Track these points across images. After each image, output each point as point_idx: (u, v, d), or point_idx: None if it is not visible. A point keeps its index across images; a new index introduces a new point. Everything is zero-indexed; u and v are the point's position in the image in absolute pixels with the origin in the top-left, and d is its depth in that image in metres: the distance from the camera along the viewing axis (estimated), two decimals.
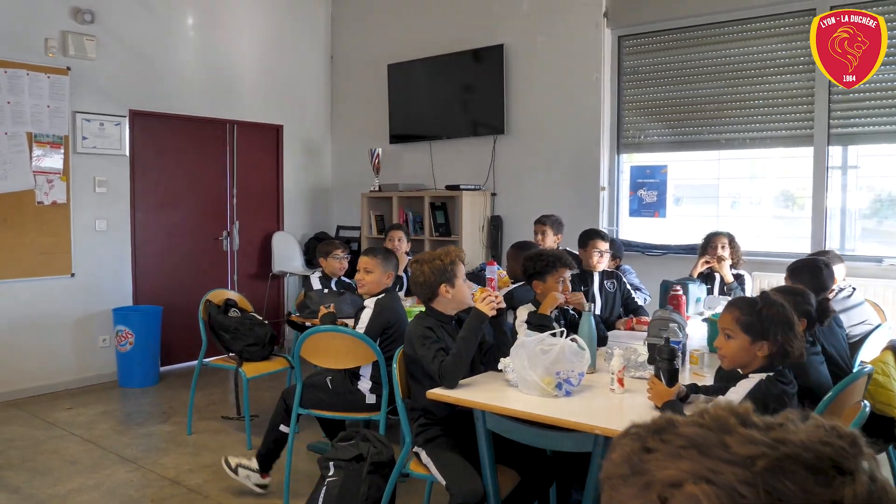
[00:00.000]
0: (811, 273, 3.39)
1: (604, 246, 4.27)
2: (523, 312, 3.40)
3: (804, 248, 5.09)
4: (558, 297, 3.33)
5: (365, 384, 3.66)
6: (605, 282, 4.28)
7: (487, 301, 2.93)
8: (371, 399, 3.65)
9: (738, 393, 2.28)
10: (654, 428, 0.66)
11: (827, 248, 4.84)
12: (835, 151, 5.05)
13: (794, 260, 3.72)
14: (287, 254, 7.15)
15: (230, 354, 4.64)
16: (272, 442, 3.76)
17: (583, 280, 4.20)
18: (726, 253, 4.63)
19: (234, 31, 6.85)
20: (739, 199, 5.67)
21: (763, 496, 0.59)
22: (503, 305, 3.01)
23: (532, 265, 3.44)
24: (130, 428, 4.89)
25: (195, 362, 4.79)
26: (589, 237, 4.32)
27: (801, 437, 0.62)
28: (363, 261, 3.77)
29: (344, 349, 3.54)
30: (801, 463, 0.60)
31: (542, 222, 5.11)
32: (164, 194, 6.42)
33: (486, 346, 3.08)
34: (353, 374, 3.68)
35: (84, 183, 5.85)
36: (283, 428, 3.75)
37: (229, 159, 6.86)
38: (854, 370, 3.11)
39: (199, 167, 6.66)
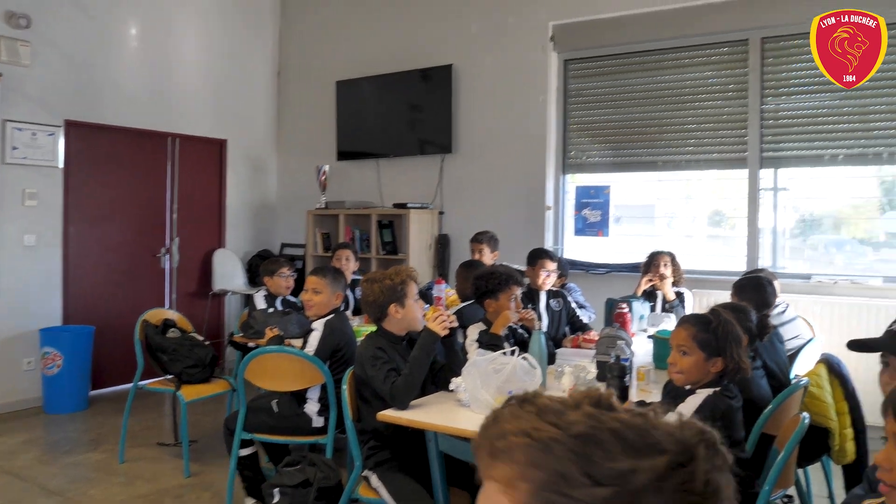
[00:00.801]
0: (756, 290, 3.49)
1: (551, 266, 4.32)
2: (474, 332, 3.40)
3: (739, 266, 5.26)
4: (511, 316, 3.35)
5: (312, 407, 3.58)
6: (550, 301, 4.32)
7: (439, 321, 2.92)
8: (318, 422, 3.57)
9: (686, 409, 2.32)
10: (522, 397, 0.75)
11: (761, 267, 5.01)
12: (766, 174, 5.26)
13: (738, 277, 3.83)
14: (229, 271, 7.00)
15: (168, 377, 4.49)
16: (247, 470, 3.65)
17: (530, 298, 4.22)
18: (668, 271, 4.74)
19: (180, 43, 6.71)
20: (675, 219, 5.84)
21: (570, 454, 0.67)
22: (455, 325, 3.00)
23: (484, 284, 3.45)
24: (56, 457, 4.63)
25: (129, 385, 4.61)
26: (537, 257, 4.36)
27: (637, 422, 0.70)
28: (312, 280, 3.69)
29: (291, 371, 3.46)
30: (619, 437, 0.68)
31: (478, 240, 5.14)
32: (100, 209, 6.20)
33: (438, 366, 3.07)
34: (300, 397, 3.60)
35: (12, 195, 5.61)
36: (243, 452, 3.64)
37: (170, 173, 6.69)
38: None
39: (139, 181, 6.46)
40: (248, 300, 4.95)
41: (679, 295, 4.79)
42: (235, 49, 7.18)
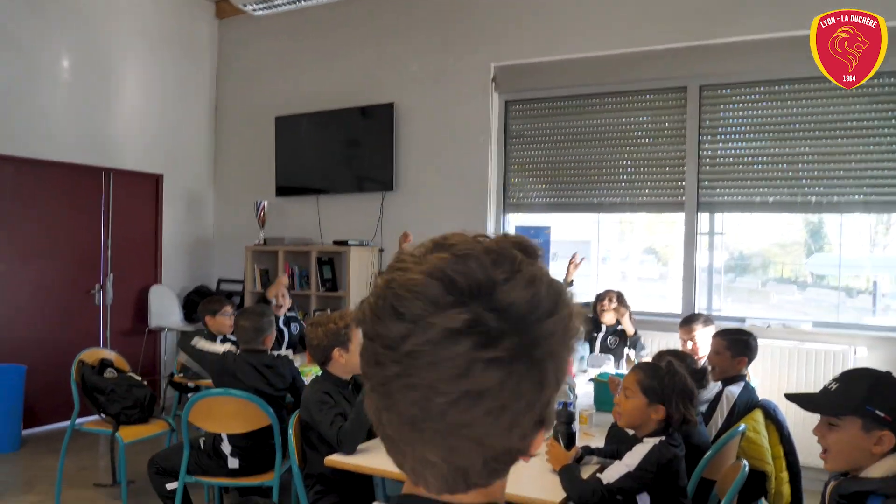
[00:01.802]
0: (748, 347, 3.61)
1: None
2: None
3: (674, 307, 5.45)
4: None
5: (226, 447, 3.59)
6: None
7: None
8: (233, 464, 3.58)
9: (633, 457, 2.41)
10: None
11: (697, 311, 5.19)
12: (702, 217, 5.47)
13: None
14: (165, 308, 6.87)
15: (104, 417, 4.39)
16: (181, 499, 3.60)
17: None
18: (611, 307, 4.85)
19: (114, 77, 6.62)
20: (610, 258, 6.01)
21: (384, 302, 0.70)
22: None
23: None
24: None
25: (65, 423, 4.50)
26: None
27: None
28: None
29: (236, 413, 3.45)
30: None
31: None
32: (29, 245, 6.02)
33: None
34: (217, 437, 3.62)
35: None
36: (169, 486, 3.60)
37: (104, 208, 6.55)
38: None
39: (71, 216, 6.31)
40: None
41: (624, 335, 4.86)
42: (172, 83, 7.12)
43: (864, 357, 4.80)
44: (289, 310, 5.32)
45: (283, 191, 7.00)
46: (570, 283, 4.92)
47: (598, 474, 2.42)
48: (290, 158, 6.95)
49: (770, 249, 5.59)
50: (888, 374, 2.03)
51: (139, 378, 4.58)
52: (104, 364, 4.50)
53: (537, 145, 6.09)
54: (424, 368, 0.66)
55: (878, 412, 1.91)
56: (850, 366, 4.77)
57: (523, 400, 0.68)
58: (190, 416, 3.48)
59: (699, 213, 5.45)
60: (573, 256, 5.00)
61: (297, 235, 6.81)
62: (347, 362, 3.07)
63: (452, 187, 6.21)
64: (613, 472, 2.38)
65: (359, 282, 6.33)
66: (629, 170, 5.72)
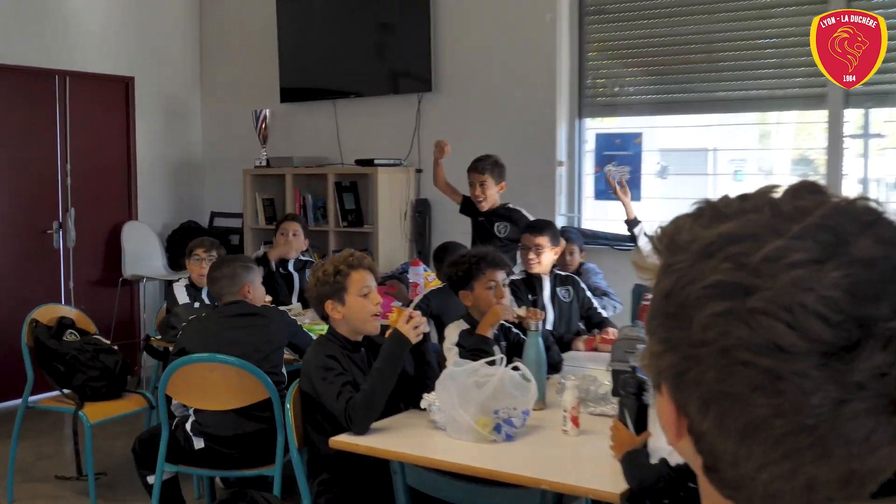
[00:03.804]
0: None
1: (539, 240, 4.30)
2: (453, 332, 3.51)
3: None
4: (502, 311, 3.48)
5: (189, 425, 3.77)
6: (558, 289, 4.39)
7: (412, 324, 3.06)
8: (199, 444, 3.74)
9: None
10: None
11: None
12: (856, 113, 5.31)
13: None
14: (144, 251, 7.09)
15: (65, 392, 4.62)
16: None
17: (530, 287, 4.33)
18: None
19: None
20: (744, 170, 5.92)
21: None
22: (427, 330, 3.15)
23: (454, 272, 3.60)
24: None
25: (16, 402, 4.74)
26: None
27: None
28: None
29: (225, 385, 3.63)
30: None
31: (479, 170, 5.16)
32: None
33: (406, 377, 3.22)
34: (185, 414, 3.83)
35: None
36: (150, 479, 3.83)
37: (60, 123, 6.73)
38: None
39: (16, 133, 6.48)
40: (168, 291, 5.08)
41: None
42: None
43: None
44: (302, 252, 5.50)
45: (289, 94, 7.08)
46: (636, 222, 4.91)
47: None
48: (299, 53, 7.00)
49: None
50: None
51: (108, 342, 4.79)
52: (63, 324, 4.70)
53: (624, 24, 6.00)
54: None
55: None
56: None
57: None
58: (168, 389, 3.68)
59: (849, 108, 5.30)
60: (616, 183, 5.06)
61: (309, 154, 6.91)
62: (345, 318, 3.17)
63: (511, 84, 6.20)
64: None
65: (390, 213, 6.41)
66: (749, 53, 5.59)
